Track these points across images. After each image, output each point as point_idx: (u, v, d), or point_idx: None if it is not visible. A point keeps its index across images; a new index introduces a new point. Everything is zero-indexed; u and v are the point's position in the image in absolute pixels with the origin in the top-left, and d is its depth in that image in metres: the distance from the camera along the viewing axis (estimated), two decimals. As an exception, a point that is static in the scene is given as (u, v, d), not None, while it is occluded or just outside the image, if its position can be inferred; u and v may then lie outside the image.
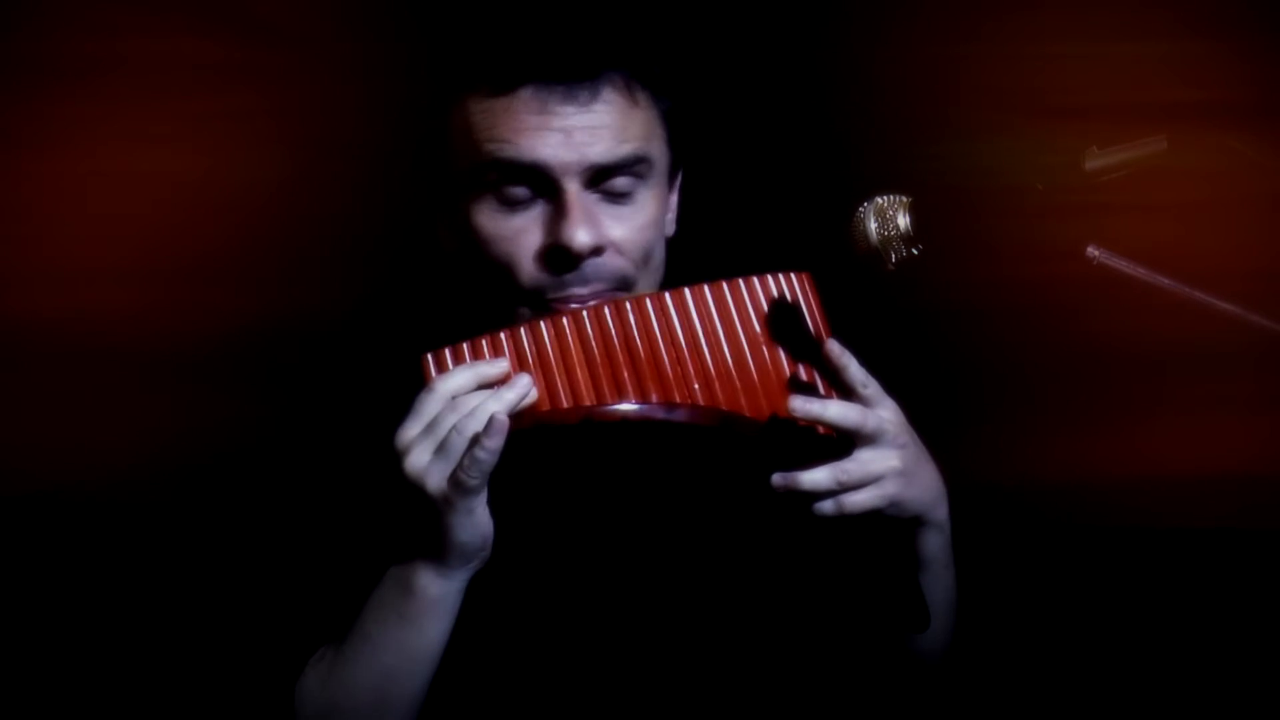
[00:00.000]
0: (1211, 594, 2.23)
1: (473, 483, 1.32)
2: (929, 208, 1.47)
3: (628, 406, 1.38)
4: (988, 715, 2.15)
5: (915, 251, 1.48)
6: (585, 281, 1.44)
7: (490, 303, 1.48)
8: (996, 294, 2.07)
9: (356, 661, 1.41)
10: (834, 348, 1.39)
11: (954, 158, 2.10)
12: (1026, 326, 2.20)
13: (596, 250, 1.43)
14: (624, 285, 1.46)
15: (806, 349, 1.41)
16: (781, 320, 1.41)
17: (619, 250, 1.45)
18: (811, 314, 1.43)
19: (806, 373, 1.41)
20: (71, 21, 2.23)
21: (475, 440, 1.31)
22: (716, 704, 1.52)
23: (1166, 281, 1.38)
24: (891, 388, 1.44)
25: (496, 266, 1.45)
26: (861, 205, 1.51)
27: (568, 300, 1.44)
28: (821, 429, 1.39)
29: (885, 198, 1.50)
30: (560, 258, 1.42)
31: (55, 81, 2.24)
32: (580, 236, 1.41)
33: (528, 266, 1.44)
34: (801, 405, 1.37)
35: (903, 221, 1.48)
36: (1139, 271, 1.39)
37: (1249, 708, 2.16)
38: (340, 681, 1.42)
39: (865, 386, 1.40)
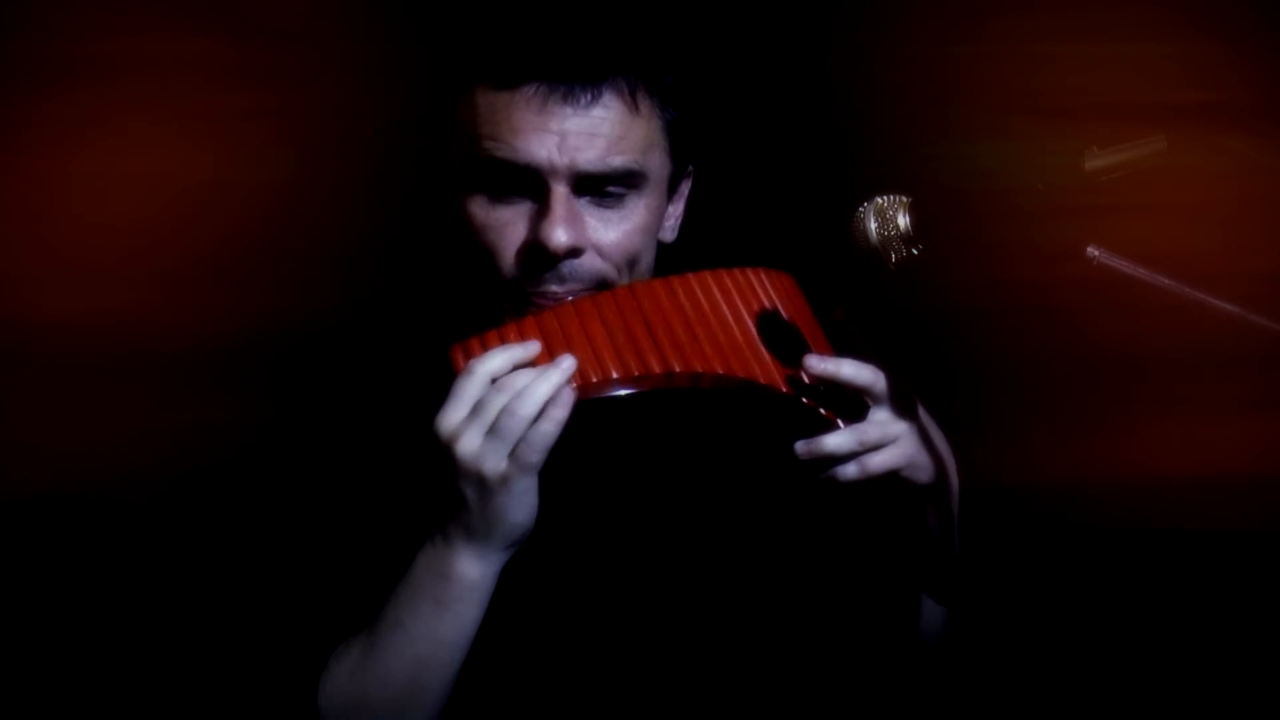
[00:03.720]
0: (1211, 595, 2.23)
1: (535, 459, 1.32)
2: (929, 208, 1.47)
3: (654, 376, 1.39)
4: (988, 715, 2.15)
5: (915, 251, 1.48)
6: (562, 280, 1.45)
7: (475, 294, 1.50)
8: (997, 294, 2.07)
9: (389, 651, 1.41)
10: (840, 312, 1.46)
11: (954, 158, 2.11)
12: (1026, 327, 2.20)
13: (574, 251, 1.44)
14: (603, 286, 1.47)
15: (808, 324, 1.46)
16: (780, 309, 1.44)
17: (601, 253, 1.46)
18: (804, 312, 1.47)
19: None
20: (71, 21, 2.23)
21: (541, 414, 1.32)
22: (741, 679, 1.53)
23: (1166, 281, 1.38)
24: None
25: (481, 256, 1.47)
26: (861, 205, 1.50)
27: (544, 295, 1.45)
28: (825, 412, 1.40)
29: (885, 198, 1.50)
30: (538, 255, 1.44)
31: (55, 81, 2.24)
32: (558, 236, 1.42)
33: (509, 259, 1.45)
34: (816, 363, 1.38)
35: (903, 221, 1.48)
36: (1139, 271, 1.39)
37: (1249, 708, 2.17)
38: (371, 672, 1.41)
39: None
